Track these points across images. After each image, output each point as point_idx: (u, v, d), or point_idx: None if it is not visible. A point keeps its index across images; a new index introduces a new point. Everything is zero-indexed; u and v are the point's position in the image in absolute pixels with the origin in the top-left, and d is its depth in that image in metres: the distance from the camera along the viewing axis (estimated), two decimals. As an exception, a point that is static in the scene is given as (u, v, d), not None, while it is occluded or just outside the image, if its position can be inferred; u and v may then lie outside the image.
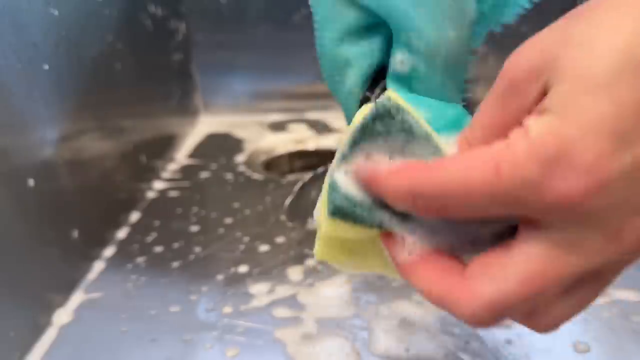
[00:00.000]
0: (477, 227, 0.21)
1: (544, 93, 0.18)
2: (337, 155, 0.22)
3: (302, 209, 0.47)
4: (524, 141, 0.17)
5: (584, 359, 0.33)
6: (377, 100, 0.23)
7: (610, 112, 0.16)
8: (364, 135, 0.22)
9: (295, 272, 0.42)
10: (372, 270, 0.26)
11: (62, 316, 0.39)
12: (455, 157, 0.19)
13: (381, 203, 0.21)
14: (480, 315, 0.19)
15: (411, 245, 0.22)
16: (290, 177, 0.57)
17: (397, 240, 0.22)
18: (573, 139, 0.16)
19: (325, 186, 0.23)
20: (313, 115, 0.72)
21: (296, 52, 0.68)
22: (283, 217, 0.49)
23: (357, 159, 0.22)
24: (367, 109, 0.22)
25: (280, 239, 0.46)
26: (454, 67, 0.24)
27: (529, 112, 0.19)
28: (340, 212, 0.22)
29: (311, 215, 0.47)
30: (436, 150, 0.21)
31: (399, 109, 0.22)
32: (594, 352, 0.34)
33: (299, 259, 0.44)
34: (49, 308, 0.39)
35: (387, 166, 0.21)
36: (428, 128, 0.22)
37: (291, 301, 0.40)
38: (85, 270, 0.44)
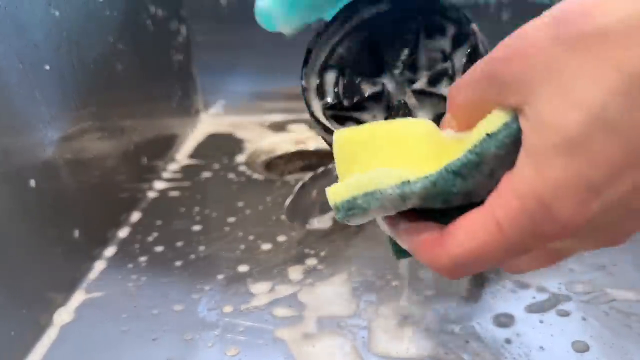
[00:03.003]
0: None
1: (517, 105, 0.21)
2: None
3: (302, 209, 0.47)
4: (513, 196, 0.21)
5: (583, 358, 0.34)
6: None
7: (582, 171, 0.19)
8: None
9: (295, 272, 0.42)
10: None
11: (63, 316, 0.39)
12: (462, 225, 0.23)
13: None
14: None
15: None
16: (290, 177, 0.57)
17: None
18: (551, 199, 0.20)
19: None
20: (313, 115, 0.72)
21: (296, 53, 0.68)
22: (283, 217, 0.49)
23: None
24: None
25: (280, 239, 0.46)
26: None
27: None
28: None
29: (311, 215, 0.47)
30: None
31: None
32: (593, 352, 0.34)
33: (300, 259, 0.44)
34: (50, 307, 0.39)
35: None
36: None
37: (292, 300, 0.40)
38: (86, 270, 0.44)
